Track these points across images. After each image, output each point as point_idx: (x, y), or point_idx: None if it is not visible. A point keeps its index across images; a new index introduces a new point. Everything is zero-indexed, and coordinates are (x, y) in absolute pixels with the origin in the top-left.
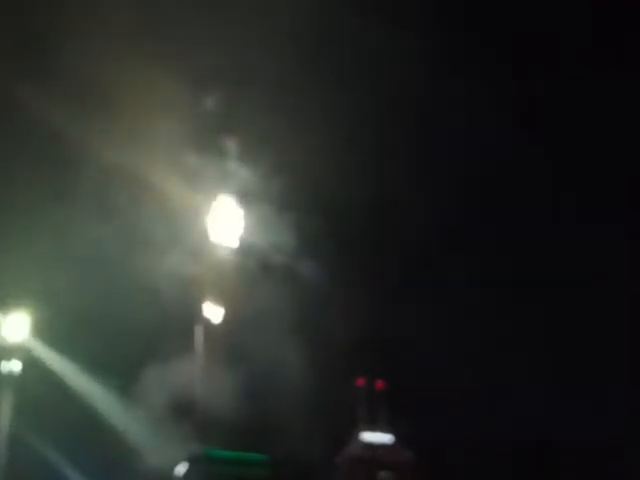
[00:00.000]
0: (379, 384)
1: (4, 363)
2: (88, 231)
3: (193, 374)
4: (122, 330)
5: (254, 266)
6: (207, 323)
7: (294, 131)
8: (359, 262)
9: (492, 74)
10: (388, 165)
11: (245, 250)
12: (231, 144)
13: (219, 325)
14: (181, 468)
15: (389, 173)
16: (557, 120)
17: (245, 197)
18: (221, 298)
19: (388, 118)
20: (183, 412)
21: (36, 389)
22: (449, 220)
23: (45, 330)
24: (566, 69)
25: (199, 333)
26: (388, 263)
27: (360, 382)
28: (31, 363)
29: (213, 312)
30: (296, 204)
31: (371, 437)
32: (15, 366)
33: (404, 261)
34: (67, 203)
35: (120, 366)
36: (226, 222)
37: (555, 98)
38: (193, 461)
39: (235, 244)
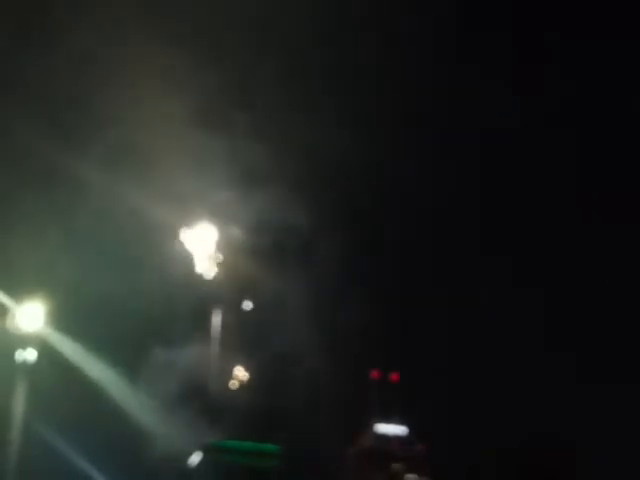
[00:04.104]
0: (394, 376)
1: (19, 352)
2: (98, 220)
3: (207, 364)
4: (136, 317)
5: (268, 250)
6: (222, 311)
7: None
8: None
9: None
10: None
11: (258, 232)
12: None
13: (234, 313)
14: (194, 458)
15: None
16: None
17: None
18: (236, 284)
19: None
20: (196, 401)
21: (50, 376)
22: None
23: (59, 319)
24: None
25: (215, 320)
26: (401, 250)
27: (375, 375)
28: (46, 351)
29: (229, 300)
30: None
31: (384, 428)
32: (30, 354)
33: (418, 248)
34: (75, 193)
35: (134, 354)
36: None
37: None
38: (206, 451)
39: (247, 226)
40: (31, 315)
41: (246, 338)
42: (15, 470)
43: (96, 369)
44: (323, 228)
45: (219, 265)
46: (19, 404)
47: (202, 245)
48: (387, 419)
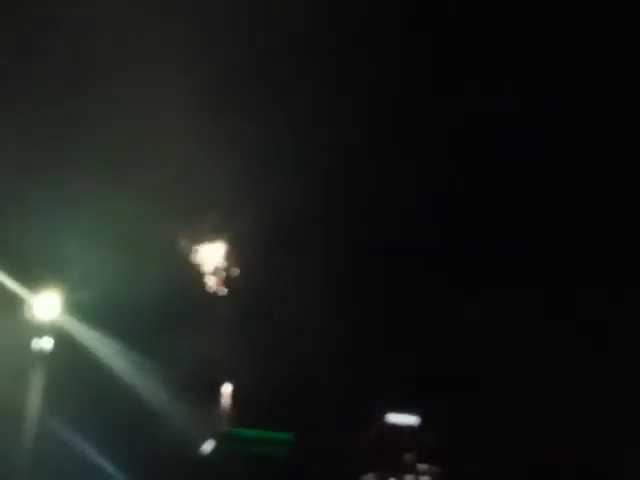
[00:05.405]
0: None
1: (36, 340)
2: (115, 207)
3: (221, 352)
4: (152, 306)
5: (272, 238)
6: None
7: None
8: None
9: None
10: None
11: (262, 221)
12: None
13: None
14: (207, 446)
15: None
16: None
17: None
18: (242, 271)
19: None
20: (211, 390)
21: (66, 364)
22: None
23: (75, 308)
24: None
25: (225, 313)
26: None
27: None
28: (62, 340)
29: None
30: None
31: (396, 418)
32: (47, 343)
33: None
34: (87, 177)
35: (149, 343)
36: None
37: None
38: (219, 439)
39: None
40: (47, 304)
41: (257, 329)
42: (30, 456)
43: (112, 357)
44: (330, 225)
45: (228, 280)
46: (35, 391)
47: (210, 260)
48: (399, 409)
